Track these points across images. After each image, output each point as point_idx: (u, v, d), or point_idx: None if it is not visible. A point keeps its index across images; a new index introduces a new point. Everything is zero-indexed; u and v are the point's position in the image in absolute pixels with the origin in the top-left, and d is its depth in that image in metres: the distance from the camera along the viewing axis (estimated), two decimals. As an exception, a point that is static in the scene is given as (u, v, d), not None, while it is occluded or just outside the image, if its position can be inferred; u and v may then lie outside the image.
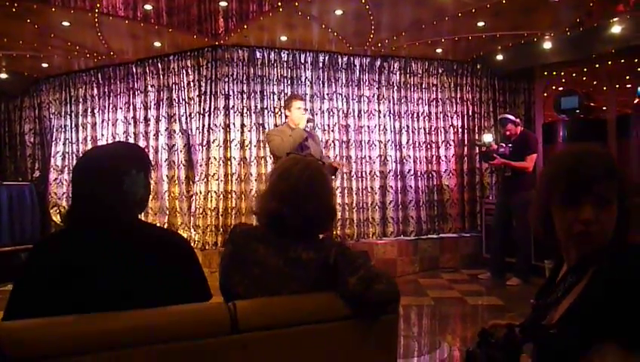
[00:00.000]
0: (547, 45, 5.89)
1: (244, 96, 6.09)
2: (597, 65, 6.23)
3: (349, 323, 1.57)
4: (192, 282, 1.57)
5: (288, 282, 1.59)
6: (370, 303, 1.54)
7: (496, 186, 6.78)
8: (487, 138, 5.79)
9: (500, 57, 6.48)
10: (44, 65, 6.63)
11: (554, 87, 6.76)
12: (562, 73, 6.65)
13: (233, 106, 6.03)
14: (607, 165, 1.20)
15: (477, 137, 6.69)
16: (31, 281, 1.43)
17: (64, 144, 7.01)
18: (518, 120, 5.68)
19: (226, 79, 6.03)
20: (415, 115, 6.77)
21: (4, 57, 6.31)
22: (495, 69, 6.86)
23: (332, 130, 6.37)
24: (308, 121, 4.95)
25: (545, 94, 6.81)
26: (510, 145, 5.57)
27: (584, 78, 6.52)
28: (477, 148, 6.33)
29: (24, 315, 1.33)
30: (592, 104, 6.41)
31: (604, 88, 6.29)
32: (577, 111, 6.35)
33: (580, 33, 5.70)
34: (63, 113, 7.04)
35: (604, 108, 6.39)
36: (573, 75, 6.57)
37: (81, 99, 6.92)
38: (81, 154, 6.74)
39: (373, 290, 1.53)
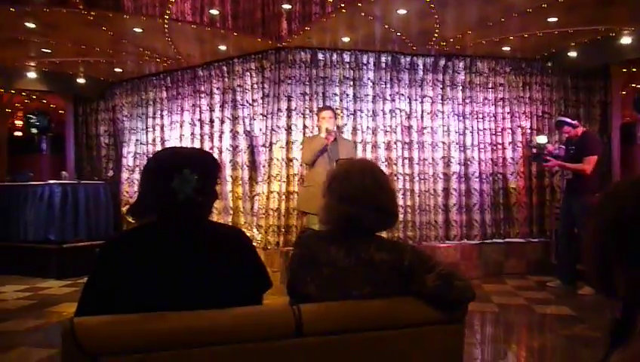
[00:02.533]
0: (626, 40, 5.54)
1: (307, 97, 6.13)
2: (682, 61, 5.80)
3: (414, 331, 1.54)
4: (255, 272, 1.61)
5: (360, 282, 1.58)
6: (450, 301, 1.53)
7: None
8: (541, 139, 5.67)
9: (573, 54, 6.16)
10: (118, 69, 6.98)
11: (633, 85, 6.36)
12: (642, 70, 6.25)
13: (295, 108, 6.09)
14: None
15: (528, 139, 6.42)
16: (102, 278, 1.49)
17: (135, 145, 7.35)
18: (575, 122, 5.47)
19: (289, 81, 6.09)
20: (480, 115, 6.56)
21: (82, 63, 6.70)
22: (567, 67, 6.53)
23: (394, 132, 6.29)
24: (326, 132, 5.05)
25: (623, 93, 6.41)
26: (572, 147, 5.37)
27: (667, 75, 6.09)
28: (530, 149, 6.11)
29: (95, 312, 1.38)
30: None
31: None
32: (659, 110, 5.95)
33: (663, 27, 5.33)
34: (134, 115, 7.39)
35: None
36: (655, 71, 6.15)
37: (151, 102, 7.24)
38: (151, 155, 7.04)
39: (454, 287, 1.53)
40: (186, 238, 1.53)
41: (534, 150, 5.67)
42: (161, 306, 1.38)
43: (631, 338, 0.95)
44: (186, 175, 1.54)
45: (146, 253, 1.48)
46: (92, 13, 4.95)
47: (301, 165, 6.01)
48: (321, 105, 6.08)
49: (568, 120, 5.49)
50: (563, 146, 5.44)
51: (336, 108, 6.18)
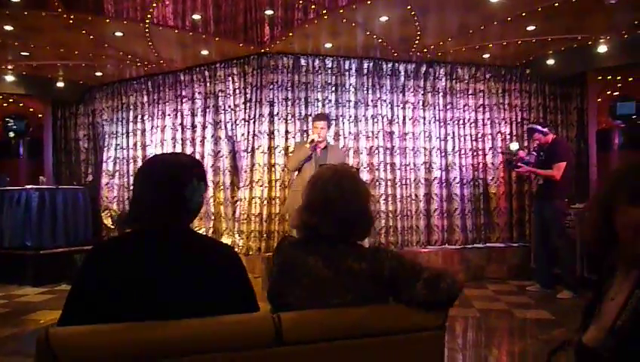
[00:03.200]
0: (602, 49, 5.66)
1: (289, 103, 6.13)
2: (656, 70, 5.94)
3: (394, 338, 1.54)
4: (243, 294, 1.58)
5: (339, 292, 1.57)
6: (438, 304, 1.57)
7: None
8: (514, 146, 5.83)
9: (551, 62, 6.27)
10: (98, 73, 6.90)
11: (609, 92, 6.49)
12: (618, 78, 6.38)
13: (278, 113, 6.08)
14: None
15: (505, 145, 6.52)
16: (86, 287, 1.46)
17: (115, 149, 7.27)
18: (546, 129, 5.58)
19: (271, 86, 6.09)
20: (461, 121, 6.63)
21: (61, 67, 6.61)
22: (546, 74, 6.64)
23: (376, 137, 6.32)
24: (311, 142, 4.94)
25: (599, 100, 6.54)
26: (542, 153, 5.51)
27: (642, 83, 6.23)
28: (502, 155, 6.24)
29: (78, 321, 1.36)
30: (650, 110, 6.12)
31: (664, 93, 5.99)
32: (634, 117, 6.07)
33: (638, 36, 5.45)
34: (114, 120, 7.31)
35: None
36: (630, 79, 6.29)
37: (131, 106, 7.17)
38: (132, 162, 6.97)
39: (441, 290, 1.56)
40: (174, 248, 1.51)
41: (507, 156, 5.85)
42: (147, 317, 1.35)
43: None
44: (194, 184, 1.56)
45: (132, 262, 1.45)
46: (72, 16, 4.89)
47: (283, 170, 6.01)
48: (304, 111, 6.10)
49: (539, 127, 5.60)
50: (534, 153, 5.57)
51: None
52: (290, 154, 5.72)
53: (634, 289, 1.21)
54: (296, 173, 5.13)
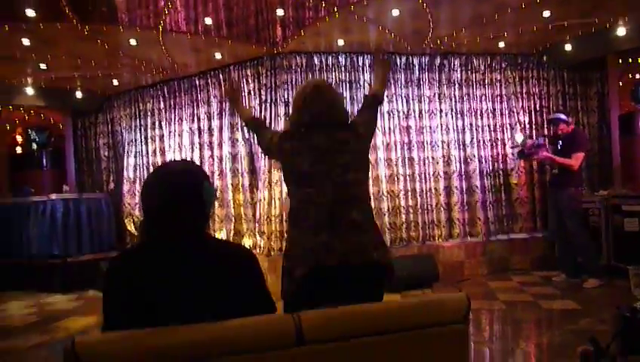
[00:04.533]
0: (621, 31, 5.54)
1: (304, 102, 6.12)
2: (679, 50, 5.79)
3: (418, 333, 1.53)
4: (262, 297, 1.60)
5: (339, 155, 2.19)
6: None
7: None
8: (519, 138, 5.82)
9: (568, 47, 6.15)
10: (115, 82, 7.00)
11: (630, 76, 6.35)
12: (639, 60, 6.22)
13: (293, 113, 6.07)
14: None
15: (511, 138, 6.43)
16: (114, 295, 1.49)
17: (135, 156, 7.37)
18: (570, 119, 5.57)
19: (286, 86, 6.10)
20: (478, 112, 6.56)
21: (78, 77, 6.72)
22: (564, 60, 6.51)
23: (393, 132, 6.29)
24: None
25: (620, 83, 6.40)
26: (559, 141, 5.46)
27: (664, 64, 6.08)
28: (513, 149, 6.19)
29: (119, 325, 1.40)
30: (674, 91, 5.96)
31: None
32: (658, 99, 5.93)
33: (658, 16, 5.32)
34: (133, 127, 7.41)
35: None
36: (652, 61, 6.14)
37: (149, 113, 7.26)
38: (151, 168, 7.07)
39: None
40: (193, 255, 1.52)
41: (517, 149, 5.81)
42: (171, 323, 1.37)
43: None
44: (207, 187, 1.58)
45: (153, 271, 1.48)
46: (87, 27, 4.97)
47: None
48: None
49: (563, 117, 5.54)
50: (541, 137, 5.53)
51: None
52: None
53: None
54: None
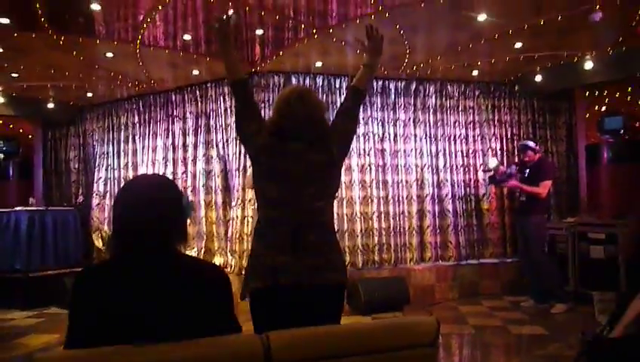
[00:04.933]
0: (588, 65, 5.74)
1: (280, 121, 6.13)
2: (643, 85, 6.02)
3: (387, 356, 1.52)
4: (229, 317, 1.57)
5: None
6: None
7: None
8: (492, 163, 5.93)
9: (538, 78, 6.35)
10: (89, 94, 6.90)
11: (596, 108, 6.56)
12: (605, 93, 6.46)
13: (269, 132, 6.07)
14: None
15: (484, 163, 6.57)
16: (80, 311, 1.45)
17: (106, 170, 7.24)
18: (537, 147, 5.73)
19: (262, 105, 6.10)
20: (452, 137, 6.68)
21: (51, 88, 6.61)
22: (534, 90, 6.72)
23: (368, 155, 6.34)
24: None
25: (587, 115, 6.62)
26: (527, 170, 5.58)
27: (628, 98, 6.30)
28: (485, 173, 6.30)
29: (83, 344, 1.36)
30: (637, 124, 6.19)
31: (651, 108, 6.07)
32: (622, 132, 6.14)
33: (623, 52, 5.54)
34: (105, 140, 7.29)
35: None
36: (617, 94, 6.37)
37: (122, 127, 7.16)
38: (122, 182, 6.95)
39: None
40: (162, 272, 1.49)
41: (489, 173, 5.92)
42: (137, 341, 1.34)
43: None
44: (184, 201, 1.58)
45: (120, 287, 1.44)
46: (62, 37, 4.90)
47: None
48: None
49: (532, 144, 5.69)
50: (513, 165, 5.65)
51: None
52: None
53: None
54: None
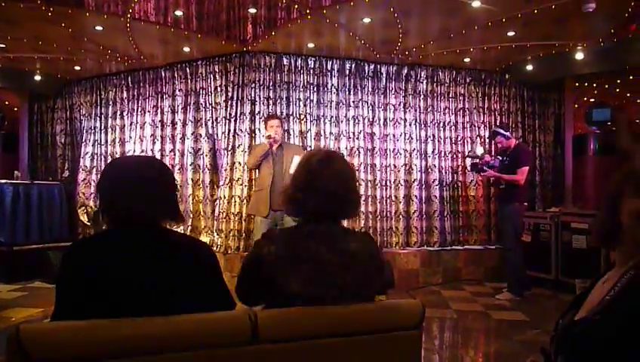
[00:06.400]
0: (579, 56, 5.77)
1: (271, 102, 6.12)
2: (631, 77, 6.08)
3: (371, 337, 1.55)
4: (218, 292, 1.60)
5: (342, 273, 1.58)
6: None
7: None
8: (479, 150, 5.99)
9: (529, 67, 6.37)
10: (77, 68, 6.79)
11: (585, 99, 6.62)
12: (594, 84, 6.51)
13: (259, 112, 6.06)
14: None
15: (470, 149, 6.62)
16: (68, 282, 1.45)
17: (93, 145, 7.15)
18: (508, 133, 5.73)
19: (253, 85, 6.06)
20: (441, 124, 6.69)
21: (38, 60, 6.48)
22: (524, 80, 6.75)
23: (357, 138, 6.35)
24: (269, 138, 5.10)
25: (576, 106, 6.67)
26: (506, 157, 5.61)
27: (617, 90, 6.37)
28: (468, 160, 6.33)
29: (70, 316, 1.37)
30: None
31: (639, 101, 6.13)
32: (609, 123, 6.21)
33: (614, 44, 5.57)
34: (93, 115, 7.19)
35: (638, 120, 6.22)
36: (606, 86, 6.43)
37: (110, 102, 7.06)
38: (109, 158, 6.88)
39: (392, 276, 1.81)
40: (151, 247, 1.51)
41: (473, 160, 5.95)
42: (125, 315, 1.35)
43: None
44: (175, 181, 1.65)
45: (109, 261, 1.44)
46: (51, 9, 4.80)
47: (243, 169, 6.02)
48: (286, 110, 6.12)
49: (502, 131, 5.71)
50: (499, 158, 5.69)
51: (300, 114, 6.19)
52: (248, 155, 5.80)
53: (628, 270, 1.31)
54: (257, 173, 5.33)
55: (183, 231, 6.27)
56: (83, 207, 7.10)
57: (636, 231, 1.31)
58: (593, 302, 1.37)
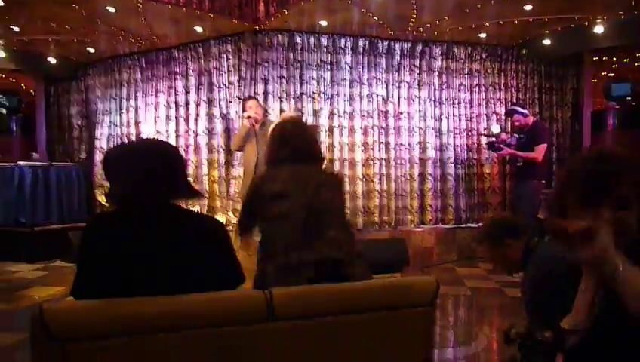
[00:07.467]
0: (598, 29, 5.63)
1: (284, 81, 6.09)
2: (652, 51, 5.93)
3: (385, 314, 1.57)
4: (230, 265, 1.62)
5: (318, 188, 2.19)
6: None
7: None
8: (495, 128, 5.88)
9: (547, 42, 6.23)
10: (91, 50, 6.81)
11: (604, 74, 6.48)
12: (614, 59, 6.36)
13: (272, 91, 6.04)
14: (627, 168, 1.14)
15: (486, 127, 6.53)
16: (88, 254, 1.48)
17: (109, 126, 7.21)
18: (526, 111, 5.65)
19: (266, 64, 6.03)
20: (456, 101, 6.62)
21: (52, 42, 6.51)
22: (542, 55, 6.61)
23: (371, 116, 6.31)
24: (248, 118, 4.90)
25: (594, 80, 6.53)
26: (522, 135, 5.54)
27: (637, 64, 6.22)
28: (485, 138, 6.25)
29: (87, 293, 1.40)
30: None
31: (659, 75, 6.00)
32: (629, 98, 6.08)
33: (635, 16, 5.42)
34: (107, 96, 7.23)
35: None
36: (625, 60, 6.27)
37: (125, 83, 7.09)
38: (125, 139, 6.94)
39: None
40: (164, 224, 1.53)
41: (489, 138, 5.88)
42: (142, 292, 1.37)
43: None
44: (183, 163, 1.70)
45: (124, 239, 1.47)
46: (62, -11, 4.81)
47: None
48: (299, 89, 6.10)
49: (519, 108, 5.63)
50: (515, 135, 5.61)
51: (313, 93, 6.15)
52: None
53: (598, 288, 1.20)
54: (243, 154, 5.19)
55: (199, 211, 6.34)
56: (100, 188, 7.20)
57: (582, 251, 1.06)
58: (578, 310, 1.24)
